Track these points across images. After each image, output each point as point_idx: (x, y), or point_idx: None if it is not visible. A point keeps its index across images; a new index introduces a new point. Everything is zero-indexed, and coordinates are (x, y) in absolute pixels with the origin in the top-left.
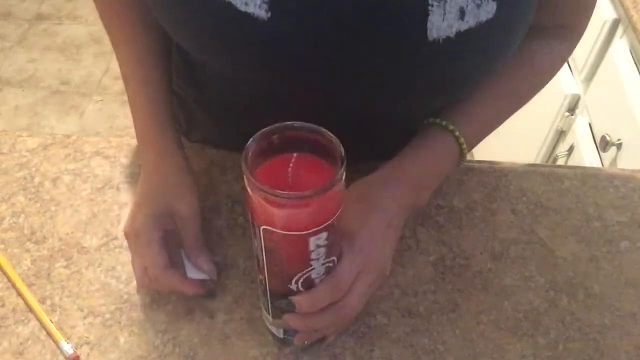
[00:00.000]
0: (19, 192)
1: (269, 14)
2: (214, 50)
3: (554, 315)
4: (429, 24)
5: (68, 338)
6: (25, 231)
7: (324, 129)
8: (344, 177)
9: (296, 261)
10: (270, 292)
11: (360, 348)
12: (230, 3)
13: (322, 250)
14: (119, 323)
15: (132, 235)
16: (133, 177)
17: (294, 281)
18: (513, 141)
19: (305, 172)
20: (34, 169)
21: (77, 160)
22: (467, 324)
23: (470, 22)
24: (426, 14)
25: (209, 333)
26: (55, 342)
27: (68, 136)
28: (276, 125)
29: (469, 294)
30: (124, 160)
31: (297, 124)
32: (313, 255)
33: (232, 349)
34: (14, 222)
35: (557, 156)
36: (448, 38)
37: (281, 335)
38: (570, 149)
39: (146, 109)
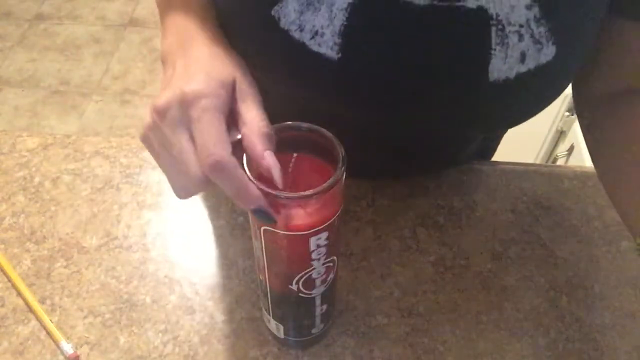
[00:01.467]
0: (19, 192)
1: (340, 55)
2: (283, 82)
3: (554, 315)
4: (490, 67)
5: (68, 338)
6: (25, 231)
7: (322, 129)
8: (344, 177)
9: (297, 261)
10: (270, 292)
11: (360, 348)
12: (303, 43)
13: (323, 249)
14: (119, 323)
15: (186, 101)
16: (133, 177)
17: (294, 281)
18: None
19: (305, 172)
20: (34, 169)
21: (77, 160)
22: (467, 324)
23: (530, 65)
24: (489, 58)
25: (209, 333)
26: (55, 342)
27: (68, 136)
28: (274, 125)
29: (469, 294)
30: (124, 160)
31: (295, 123)
32: (314, 255)
33: (232, 349)
34: (14, 222)
35: (557, 156)
36: (507, 79)
37: (282, 336)
38: (570, 149)
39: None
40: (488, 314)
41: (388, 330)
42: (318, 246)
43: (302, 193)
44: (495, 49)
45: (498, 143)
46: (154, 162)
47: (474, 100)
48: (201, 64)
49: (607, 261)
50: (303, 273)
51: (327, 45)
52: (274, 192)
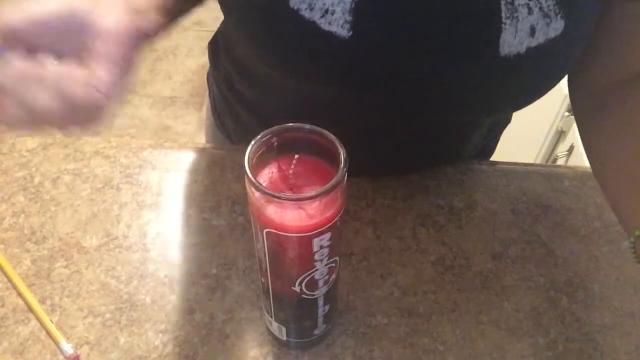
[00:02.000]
0: (19, 192)
1: (350, 33)
2: (292, 64)
3: (554, 315)
4: (501, 41)
5: (68, 338)
6: (25, 231)
7: (323, 130)
8: (345, 178)
9: (300, 263)
10: (272, 294)
11: (360, 348)
12: (314, 22)
13: (326, 250)
14: (119, 323)
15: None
16: (133, 177)
17: (297, 283)
18: (513, 141)
19: (307, 173)
20: (34, 169)
21: (77, 160)
22: (467, 324)
23: (540, 39)
24: (499, 32)
25: (209, 333)
26: (55, 342)
27: (68, 136)
28: (275, 127)
29: (469, 294)
30: (124, 160)
31: (296, 125)
32: (317, 256)
33: (232, 349)
34: (14, 222)
35: (557, 156)
36: (518, 54)
37: (284, 337)
38: (570, 149)
39: None
40: (488, 314)
41: (388, 330)
42: (321, 247)
43: (305, 194)
44: (505, 23)
45: (497, 142)
46: (154, 162)
47: (486, 77)
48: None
49: (607, 261)
50: (306, 274)
51: (337, 24)
52: (276, 193)
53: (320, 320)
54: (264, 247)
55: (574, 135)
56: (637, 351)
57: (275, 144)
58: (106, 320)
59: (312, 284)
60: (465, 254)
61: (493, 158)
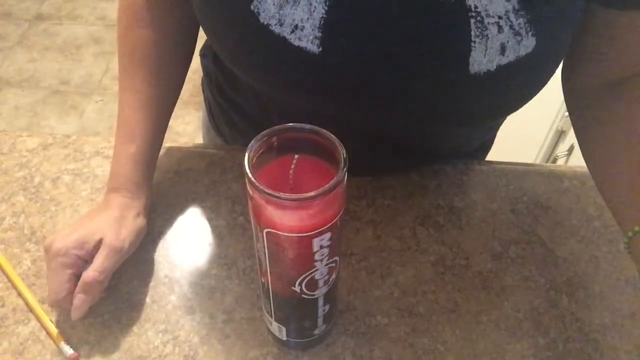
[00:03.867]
0: (19, 192)
1: (320, 49)
2: (264, 78)
3: (554, 315)
4: (470, 59)
5: (68, 338)
6: (25, 231)
7: (323, 130)
8: (345, 178)
9: (300, 263)
10: (273, 294)
11: (360, 348)
12: (285, 38)
13: (326, 250)
14: (119, 323)
15: (49, 253)
16: None
17: (297, 283)
18: (513, 141)
19: (307, 173)
20: (34, 169)
21: (77, 160)
22: (467, 324)
23: (510, 57)
24: (469, 50)
25: (209, 333)
26: (55, 342)
27: (68, 136)
28: (275, 127)
29: (469, 294)
30: None
31: (297, 125)
32: (317, 256)
33: (232, 349)
34: (14, 222)
35: (557, 156)
36: (489, 71)
37: (284, 337)
38: (570, 149)
39: (133, 153)
40: (488, 314)
41: (388, 330)
42: (321, 247)
43: (305, 195)
44: (475, 41)
45: (494, 136)
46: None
47: (455, 94)
48: (85, 224)
49: (607, 261)
50: (306, 274)
51: (307, 39)
52: (276, 193)
53: (320, 320)
54: (264, 247)
55: (574, 136)
56: (637, 351)
57: (275, 144)
58: (106, 320)
59: (312, 284)
60: (465, 254)
61: (493, 158)
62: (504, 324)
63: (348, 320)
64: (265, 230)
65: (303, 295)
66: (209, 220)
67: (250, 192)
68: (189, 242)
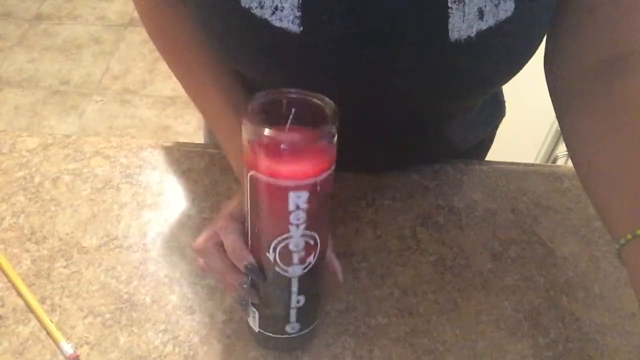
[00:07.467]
0: (19, 192)
1: (301, 28)
2: (251, 63)
3: (554, 315)
4: (449, 26)
5: (68, 338)
6: (25, 231)
7: (317, 94)
8: (335, 138)
9: (275, 219)
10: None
11: (360, 348)
12: (266, 20)
13: (302, 215)
14: (119, 323)
15: (221, 228)
16: (133, 177)
17: (272, 247)
18: (513, 141)
19: (302, 132)
20: (34, 169)
21: (77, 160)
22: (467, 324)
23: (489, 21)
24: (446, 17)
25: (209, 333)
26: (55, 342)
27: (68, 136)
28: (279, 89)
29: (469, 294)
30: (124, 160)
31: (294, 90)
32: (292, 218)
33: (232, 349)
34: (14, 222)
35: (557, 156)
36: (469, 38)
37: (256, 329)
38: None
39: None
40: (488, 314)
41: (388, 330)
42: (297, 207)
43: (289, 135)
44: (452, 8)
45: (494, 135)
46: (154, 162)
47: (440, 63)
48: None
49: (607, 261)
50: (280, 238)
51: (288, 20)
52: (262, 127)
53: (293, 312)
54: (247, 195)
55: None
56: (637, 351)
57: (284, 104)
58: (106, 320)
59: (286, 255)
60: (465, 254)
61: (493, 158)
62: (504, 324)
63: (348, 320)
64: (249, 174)
65: (276, 268)
66: (209, 220)
67: (243, 130)
68: (189, 242)
